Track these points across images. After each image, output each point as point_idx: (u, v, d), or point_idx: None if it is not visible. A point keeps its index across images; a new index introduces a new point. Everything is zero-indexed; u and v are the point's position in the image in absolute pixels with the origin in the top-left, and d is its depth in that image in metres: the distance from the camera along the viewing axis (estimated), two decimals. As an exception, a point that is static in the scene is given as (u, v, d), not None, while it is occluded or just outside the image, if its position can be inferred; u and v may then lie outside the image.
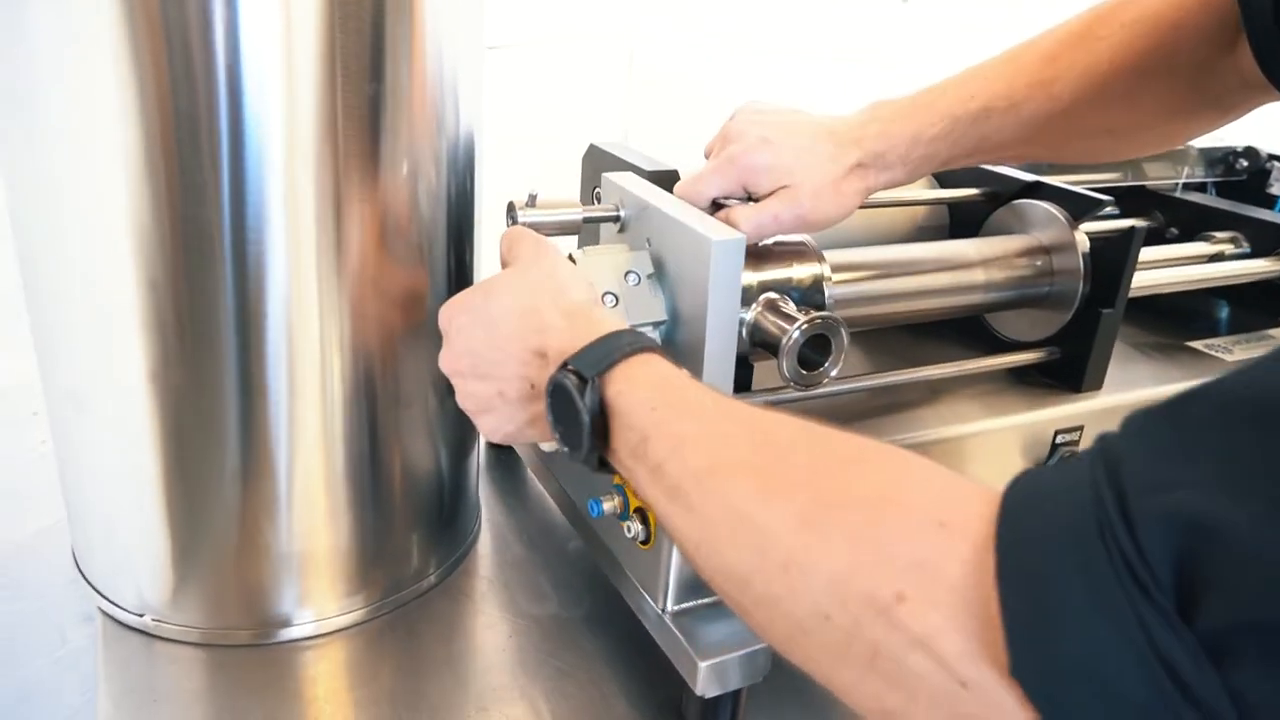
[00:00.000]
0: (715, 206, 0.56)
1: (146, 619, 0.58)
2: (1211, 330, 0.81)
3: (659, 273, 0.53)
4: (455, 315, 0.50)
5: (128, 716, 0.53)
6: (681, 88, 1.99)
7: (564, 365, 0.44)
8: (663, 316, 0.52)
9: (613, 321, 0.47)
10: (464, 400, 0.51)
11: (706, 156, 0.61)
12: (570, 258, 0.53)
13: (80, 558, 0.62)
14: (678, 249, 0.51)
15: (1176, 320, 0.81)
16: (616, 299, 0.52)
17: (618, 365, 0.43)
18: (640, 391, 0.42)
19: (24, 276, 0.54)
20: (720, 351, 0.49)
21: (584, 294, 0.49)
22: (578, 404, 0.42)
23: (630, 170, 0.63)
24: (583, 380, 0.43)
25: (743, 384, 0.58)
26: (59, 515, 0.64)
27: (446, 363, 0.51)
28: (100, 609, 0.60)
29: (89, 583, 0.61)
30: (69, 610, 0.61)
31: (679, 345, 0.52)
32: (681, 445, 0.39)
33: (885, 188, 0.58)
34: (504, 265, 0.53)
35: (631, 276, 0.52)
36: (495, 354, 0.48)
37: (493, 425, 0.50)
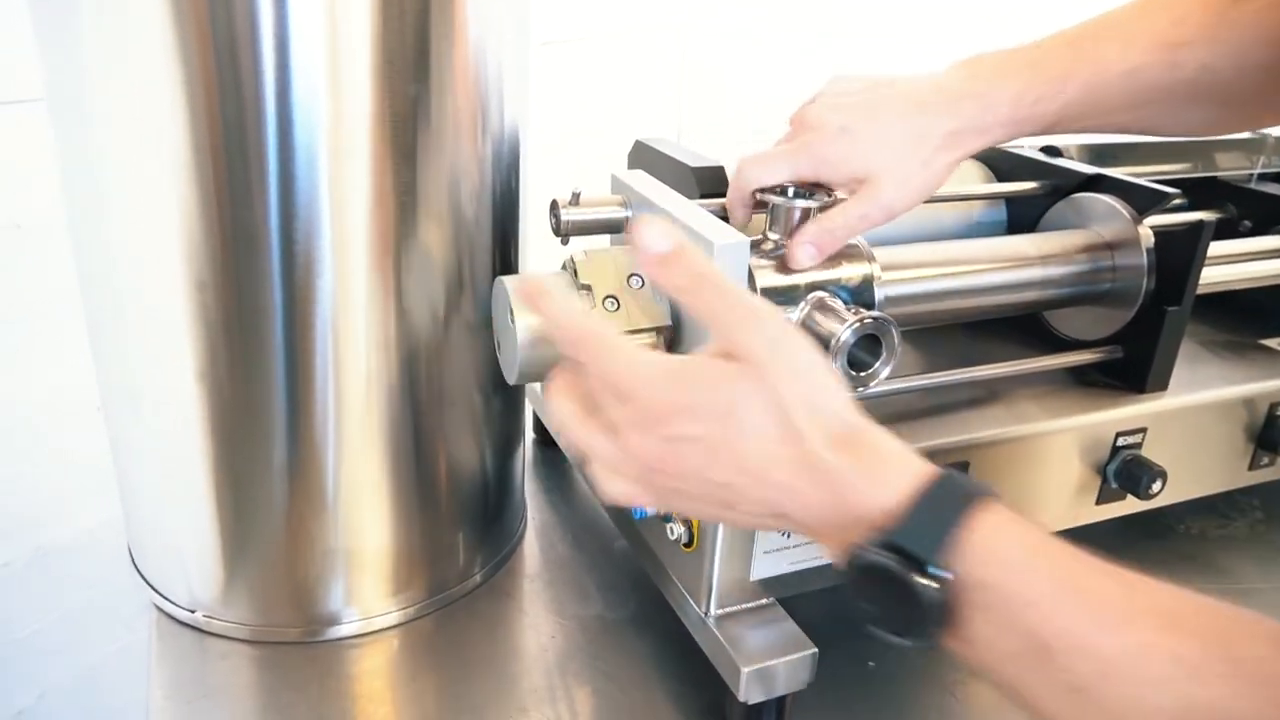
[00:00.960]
0: (777, 192, 0.54)
1: (198, 615, 0.59)
2: (1287, 328, 0.77)
3: None
4: (678, 420, 0.38)
5: (179, 709, 0.54)
6: (736, 79, 1.97)
7: (888, 543, 0.35)
8: (666, 321, 0.51)
9: (900, 448, 0.38)
10: (664, 501, 0.42)
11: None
12: (571, 259, 0.52)
13: (136, 554, 0.63)
14: None
15: (1251, 317, 0.78)
16: (618, 303, 0.50)
17: (961, 536, 0.35)
18: (1011, 580, 0.34)
19: (80, 277, 0.55)
20: None
21: (849, 407, 0.39)
22: (915, 594, 0.34)
23: (676, 166, 0.62)
24: (914, 561, 0.34)
25: (789, 385, 0.56)
26: (119, 510, 0.65)
27: (646, 459, 0.39)
28: (155, 604, 0.61)
29: (144, 578, 0.62)
30: (130, 603, 0.62)
31: (683, 351, 0.51)
32: (1113, 673, 0.32)
33: (981, 149, 0.54)
34: (694, 311, 0.40)
35: (635, 280, 0.51)
36: (741, 479, 0.38)
37: (705, 515, 0.45)
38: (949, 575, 0.34)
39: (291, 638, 0.59)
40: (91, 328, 0.56)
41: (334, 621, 0.59)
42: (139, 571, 0.62)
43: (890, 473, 0.37)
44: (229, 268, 0.49)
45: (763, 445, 0.37)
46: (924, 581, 0.34)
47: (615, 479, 0.41)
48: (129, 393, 0.55)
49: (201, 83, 0.45)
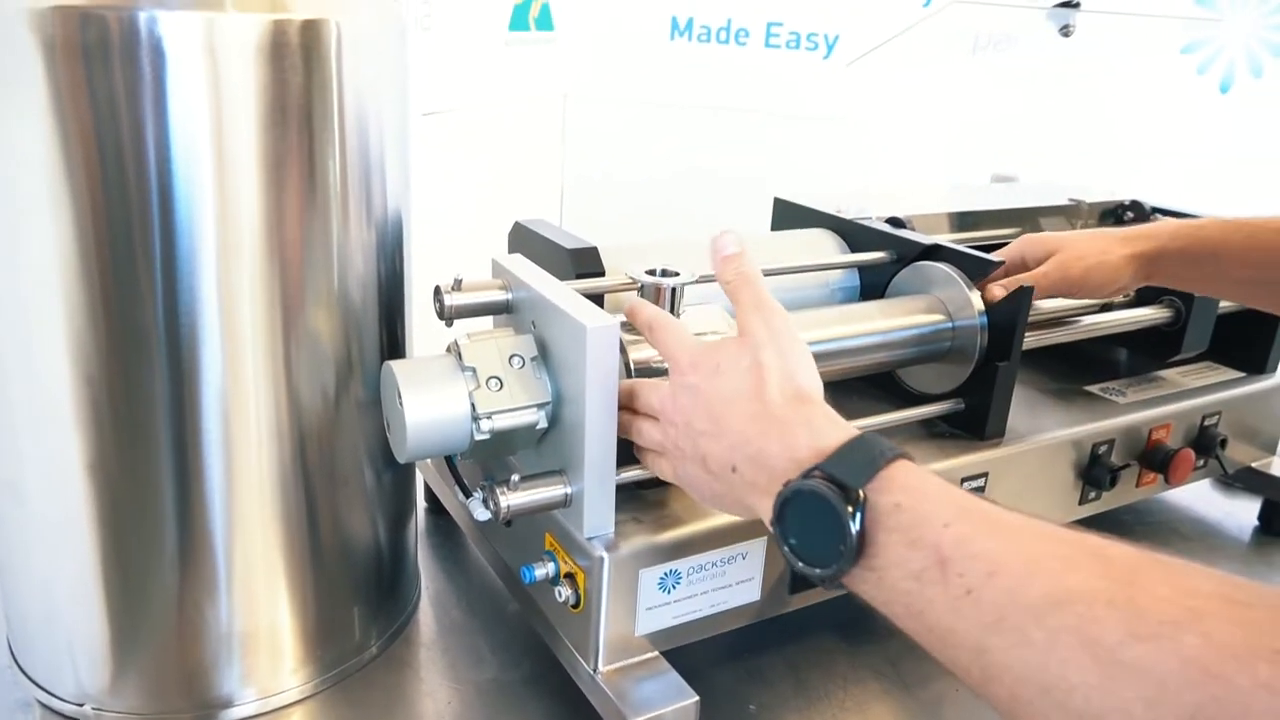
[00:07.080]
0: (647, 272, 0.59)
1: (86, 708, 0.58)
2: (1109, 374, 0.86)
3: (543, 355, 0.55)
4: (689, 371, 0.50)
5: (68, 807, 0.53)
6: (614, 148, 2.05)
7: (821, 473, 0.42)
8: (546, 398, 0.55)
9: (838, 418, 0.47)
10: (675, 468, 0.51)
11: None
12: (455, 343, 0.55)
13: (16, 648, 0.62)
14: (558, 333, 0.54)
15: (1080, 365, 0.87)
16: (501, 383, 0.54)
17: (883, 471, 0.41)
18: (921, 504, 0.40)
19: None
20: (601, 430, 0.52)
21: (815, 386, 0.49)
22: (841, 518, 0.40)
23: (553, 248, 0.66)
24: (843, 490, 0.41)
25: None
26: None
27: (664, 409, 0.51)
28: (37, 700, 0.60)
29: (24, 673, 0.61)
30: (2, 700, 0.61)
31: (563, 423, 0.55)
32: (1000, 570, 0.36)
33: (1149, 250, 0.73)
34: (731, 297, 0.52)
35: (516, 360, 0.55)
36: (711, 427, 0.48)
37: (680, 476, 0.51)
38: (868, 499, 0.40)
39: (185, 723, 0.59)
40: (-29, 423, 0.56)
41: (230, 704, 0.59)
42: (19, 666, 0.61)
43: (829, 428, 0.46)
44: (117, 363, 0.51)
45: (734, 399, 0.47)
46: (848, 507, 0.40)
47: (653, 456, 0.53)
48: (12, 485, 0.55)
49: (87, 190, 0.47)
